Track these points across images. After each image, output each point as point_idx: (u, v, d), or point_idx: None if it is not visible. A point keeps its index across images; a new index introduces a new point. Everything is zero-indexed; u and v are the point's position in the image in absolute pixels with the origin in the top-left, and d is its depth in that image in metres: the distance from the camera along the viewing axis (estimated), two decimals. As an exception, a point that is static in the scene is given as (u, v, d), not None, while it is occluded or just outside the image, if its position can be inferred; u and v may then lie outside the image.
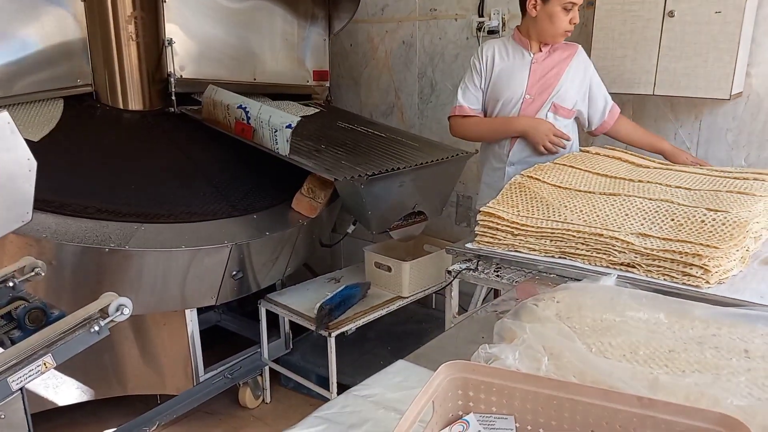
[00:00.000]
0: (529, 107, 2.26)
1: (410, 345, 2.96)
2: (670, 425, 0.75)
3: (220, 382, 2.59)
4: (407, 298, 2.71)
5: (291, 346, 2.86)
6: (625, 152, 2.16)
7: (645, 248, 1.43)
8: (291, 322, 2.76)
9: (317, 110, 3.23)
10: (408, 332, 3.10)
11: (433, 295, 3.11)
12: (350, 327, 2.50)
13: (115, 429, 2.39)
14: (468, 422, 0.86)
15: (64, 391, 2.37)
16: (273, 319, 2.78)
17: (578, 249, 1.52)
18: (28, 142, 1.35)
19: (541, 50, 2.26)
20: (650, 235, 1.46)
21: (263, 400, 2.83)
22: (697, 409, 0.75)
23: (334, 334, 2.43)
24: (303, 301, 2.65)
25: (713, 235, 1.42)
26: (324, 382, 2.62)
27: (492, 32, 2.97)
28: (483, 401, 0.85)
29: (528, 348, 0.93)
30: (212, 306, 2.93)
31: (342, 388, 2.55)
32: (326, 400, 2.59)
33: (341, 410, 0.95)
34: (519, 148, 2.30)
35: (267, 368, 2.79)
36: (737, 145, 2.42)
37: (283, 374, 2.82)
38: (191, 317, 2.42)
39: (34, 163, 1.37)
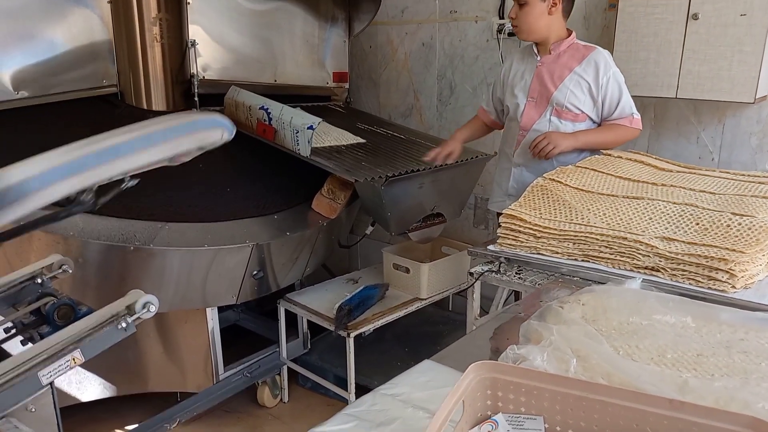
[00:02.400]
0: (532, 110, 2.27)
1: (427, 347, 3.00)
2: (701, 428, 0.75)
3: (240, 381, 2.61)
4: (425, 299, 2.71)
5: (309, 346, 2.88)
6: (648, 156, 2.15)
7: (670, 252, 1.42)
8: (309, 322, 2.78)
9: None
10: (425, 334, 3.11)
11: (450, 297, 3.11)
12: (369, 328, 2.51)
13: (135, 425, 2.42)
14: (497, 422, 0.86)
15: (87, 387, 2.40)
16: (291, 319, 2.80)
17: (602, 252, 1.52)
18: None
19: (550, 53, 2.23)
20: (675, 239, 1.45)
21: (281, 399, 2.85)
22: (728, 412, 0.75)
23: (353, 335, 2.44)
24: (322, 302, 2.66)
25: (739, 239, 1.41)
26: (341, 382, 2.63)
27: (512, 34, 2.96)
28: (512, 401, 0.86)
29: (555, 349, 0.94)
30: (231, 305, 2.96)
31: (359, 389, 2.57)
32: (344, 399, 2.62)
33: (370, 408, 0.96)
34: (523, 149, 2.30)
35: (285, 368, 2.81)
36: (761, 149, 2.40)
37: (301, 374, 2.84)
38: (212, 315, 2.45)
39: None
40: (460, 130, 2.57)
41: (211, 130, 1.26)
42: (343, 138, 2.78)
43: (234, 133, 1.29)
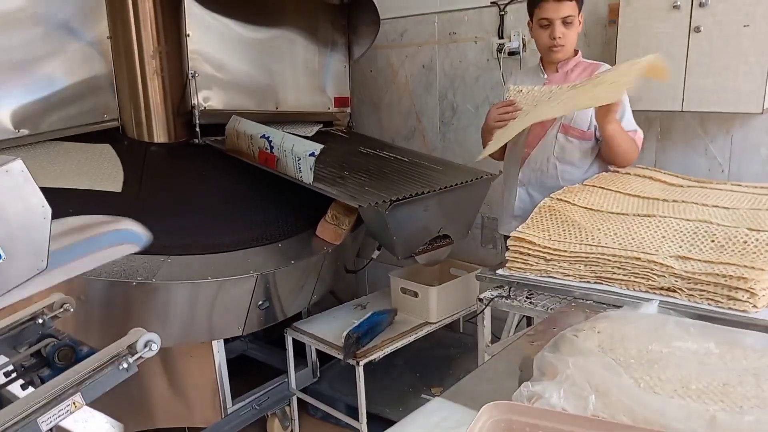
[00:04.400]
0: (538, 128, 2.22)
1: (439, 371, 2.94)
2: (734, 470, 0.70)
3: (248, 414, 2.56)
4: (435, 323, 2.66)
5: (318, 375, 2.82)
6: (657, 171, 2.11)
7: (686, 272, 1.37)
8: (317, 350, 2.73)
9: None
10: (436, 357, 3.05)
11: (461, 319, 3.06)
12: (378, 355, 2.46)
13: (144, 463, 2.37)
14: (514, 466, 0.82)
15: (92, 425, 2.35)
16: (300, 347, 2.75)
17: (615, 273, 1.47)
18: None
19: (557, 71, 2.21)
20: (690, 258, 1.40)
21: (291, 430, 2.79)
22: (763, 451, 0.70)
23: (362, 363, 2.39)
24: (329, 329, 2.62)
25: (758, 256, 1.36)
26: (353, 412, 2.57)
27: (512, 53, 2.96)
28: (529, 443, 0.81)
29: (572, 385, 0.89)
30: (238, 336, 2.91)
31: (371, 417, 2.50)
32: (355, 430, 2.56)
33: (379, 453, 0.91)
34: (528, 169, 2.27)
35: (295, 398, 2.76)
36: (772, 160, 2.36)
37: (311, 403, 2.78)
38: (218, 348, 2.40)
39: (48, 211, 1.35)
40: None
41: (120, 246, 1.26)
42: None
43: (145, 244, 1.29)
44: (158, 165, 2.69)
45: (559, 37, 2.10)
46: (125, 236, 1.34)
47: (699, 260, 1.39)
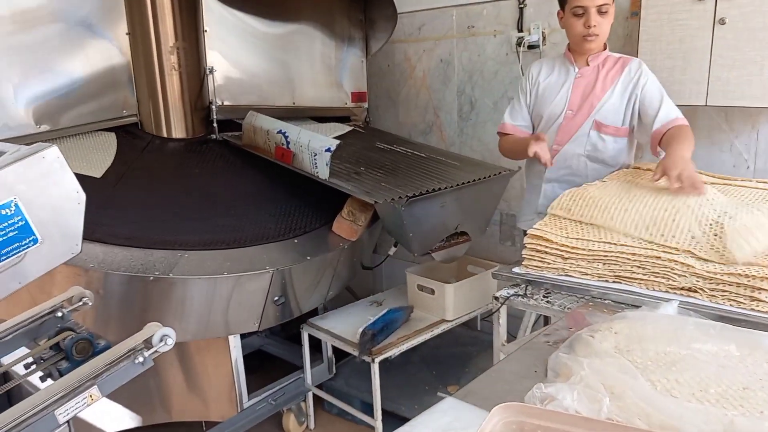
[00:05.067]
0: (570, 123, 2.18)
1: (455, 369, 2.91)
2: (753, 478, 0.68)
3: (264, 409, 2.57)
4: (451, 321, 2.64)
5: (334, 371, 2.82)
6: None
7: (707, 272, 1.34)
8: (333, 347, 2.73)
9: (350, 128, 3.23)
10: (453, 355, 3.03)
11: (479, 316, 3.03)
12: (394, 352, 2.45)
13: (160, 456, 2.40)
14: (525, 469, 0.80)
15: (110, 417, 2.39)
16: (316, 343, 2.75)
17: (634, 273, 1.44)
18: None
19: (588, 64, 2.16)
20: (711, 261, 1.36)
21: (307, 426, 2.79)
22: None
23: (377, 360, 2.38)
24: (345, 326, 2.61)
25: (782, 256, 1.32)
26: (368, 408, 2.57)
27: (532, 47, 2.92)
28: (540, 446, 0.79)
29: (587, 387, 0.87)
30: (255, 331, 2.93)
31: (386, 414, 2.50)
32: (370, 427, 2.56)
33: (388, 454, 0.90)
34: (556, 166, 2.20)
35: (311, 394, 2.76)
36: (799, 156, 2.29)
37: (327, 400, 2.79)
38: (234, 343, 2.41)
39: (83, 197, 1.38)
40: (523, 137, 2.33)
41: None
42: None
43: None
44: (176, 161, 2.70)
45: (595, 26, 2.04)
46: None
47: (720, 263, 1.35)
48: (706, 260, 1.37)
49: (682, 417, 0.80)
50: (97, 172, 2.38)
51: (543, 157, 2.04)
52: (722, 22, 2.13)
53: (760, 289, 1.27)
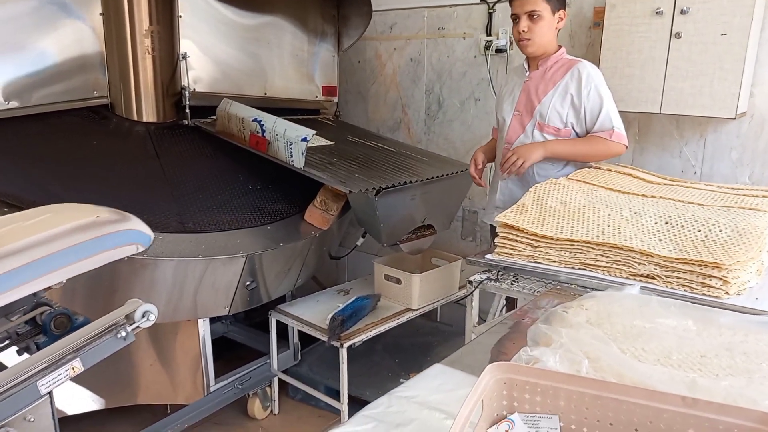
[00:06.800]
0: (517, 123, 2.31)
1: (417, 357, 3.01)
2: (714, 423, 0.78)
3: (230, 393, 2.59)
4: (417, 310, 2.73)
5: (300, 357, 2.87)
6: (636, 169, 2.21)
7: (664, 260, 1.46)
8: (299, 333, 2.77)
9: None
10: (414, 344, 3.12)
11: (439, 308, 3.14)
12: (361, 338, 2.52)
13: (124, 439, 2.39)
14: (513, 421, 0.88)
15: (74, 399, 2.36)
16: (282, 331, 2.79)
17: (598, 261, 1.56)
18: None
19: (538, 68, 2.27)
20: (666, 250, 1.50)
21: (271, 411, 2.83)
22: (739, 408, 0.78)
23: (346, 345, 2.45)
24: (314, 313, 2.67)
25: (728, 248, 1.46)
26: (333, 393, 2.63)
27: (500, 51, 3.04)
28: (528, 401, 0.88)
29: (567, 351, 0.96)
30: (220, 317, 2.94)
31: (351, 399, 2.56)
32: (335, 410, 2.62)
33: (387, 410, 0.97)
34: None
35: (276, 379, 2.80)
36: (741, 163, 2.49)
37: (291, 385, 2.83)
38: (204, 327, 2.43)
39: None
40: (478, 149, 2.51)
41: (125, 247, 1.32)
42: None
43: (150, 244, 1.34)
44: (147, 144, 2.69)
45: (524, 31, 2.17)
46: (132, 237, 1.39)
47: (676, 251, 1.49)
48: (663, 249, 1.50)
49: (652, 377, 0.91)
50: (64, 153, 2.36)
51: (474, 180, 2.45)
52: (678, 36, 2.29)
53: (711, 276, 1.41)
